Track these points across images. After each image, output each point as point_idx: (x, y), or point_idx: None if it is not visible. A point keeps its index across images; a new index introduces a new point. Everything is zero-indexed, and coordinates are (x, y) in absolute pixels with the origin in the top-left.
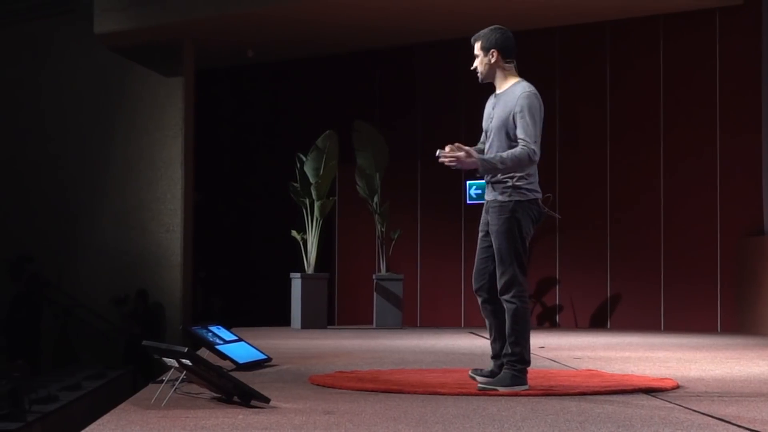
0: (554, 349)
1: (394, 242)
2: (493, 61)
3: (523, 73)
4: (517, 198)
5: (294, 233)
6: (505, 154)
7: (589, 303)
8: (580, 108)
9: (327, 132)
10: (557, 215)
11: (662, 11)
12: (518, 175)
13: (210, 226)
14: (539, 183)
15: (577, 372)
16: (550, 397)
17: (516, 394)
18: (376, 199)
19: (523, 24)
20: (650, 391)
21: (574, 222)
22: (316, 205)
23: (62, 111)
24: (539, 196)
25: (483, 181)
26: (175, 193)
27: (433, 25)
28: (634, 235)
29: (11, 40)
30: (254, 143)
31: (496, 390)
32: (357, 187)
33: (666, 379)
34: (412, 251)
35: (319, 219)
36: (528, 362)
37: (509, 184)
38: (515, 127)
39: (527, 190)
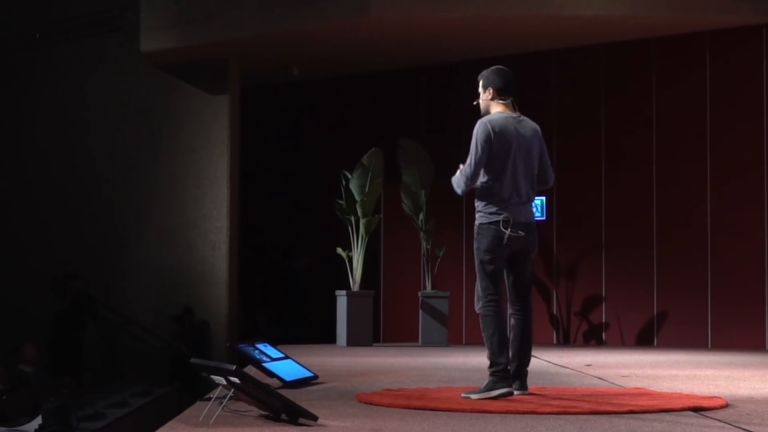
0: (601, 367)
1: (439, 259)
2: (489, 97)
3: (569, 90)
4: (479, 221)
5: (339, 251)
6: (454, 176)
7: (635, 320)
8: (626, 125)
9: (372, 149)
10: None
11: (708, 28)
12: (480, 202)
13: (255, 243)
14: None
15: (624, 390)
16: (598, 416)
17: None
18: (421, 216)
19: (569, 41)
20: (699, 409)
21: (620, 239)
22: (362, 222)
23: (108, 129)
24: (499, 218)
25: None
26: (220, 211)
27: (478, 42)
28: (681, 253)
29: (58, 58)
30: (299, 161)
31: (469, 398)
32: (402, 204)
33: (715, 397)
34: (457, 268)
35: (364, 236)
36: (496, 364)
37: (477, 210)
38: None
39: (488, 213)
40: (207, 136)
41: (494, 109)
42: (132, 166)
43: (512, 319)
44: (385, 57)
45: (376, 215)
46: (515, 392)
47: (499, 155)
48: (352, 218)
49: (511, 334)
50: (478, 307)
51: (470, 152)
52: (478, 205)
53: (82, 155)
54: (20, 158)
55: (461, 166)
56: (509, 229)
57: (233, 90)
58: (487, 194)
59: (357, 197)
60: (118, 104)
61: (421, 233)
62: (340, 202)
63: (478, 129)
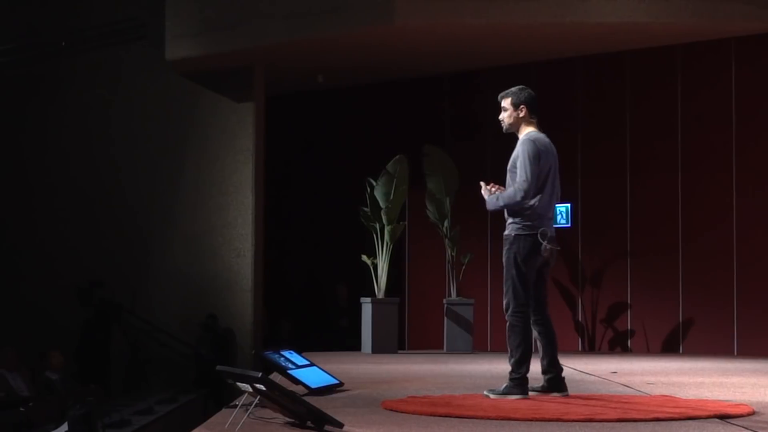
0: (627, 375)
1: (464, 267)
2: (521, 115)
3: (593, 97)
4: (516, 233)
5: (364, 258)
6: (501, 194)
7: (661, 328)
8: (652, 132)
9: (397, 156)
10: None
11: (734, 34)
12: (519, 213)
13: (280, 250)
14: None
15: (650, 397)
16: (624, 423)
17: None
18: (446, 223)
19: (594, 48)
20: (725, 417)
21: (645, 247)
22: (387, 229)
23: (133, 137)
24: (538, 231)
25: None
26: (246, 218)
27: (503, 49)
28: (707, 260)
29: (83, 67)
30: (324, 168)
31: (489, 397)
32: (427, 211)
33: (741, 404)
34: (482, 276)
35: (389, 243)
36: (519, 372)
37: (511, 220)
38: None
39: (526, 225)
40: (232, 143)
41: (527, 128)
42: (157, 174)
43: (536, 328)
44: (409, 64)
45: (401, 222)
46: (556, 395)
47: (542, 173)
48: (377, 225)
49: (541, 343)
50: (507, 314)
51: (521, 170)
52: (515, 217)
53: (107, 163)
54: (46, 166)
55: (484, 186)
56: (547, 242)
57: (258, 97)
58: (526, 209)
59: (382, 204)
60: (143, 112)
61: (446, 240)
62: (365, 209)
63: (528, 147)
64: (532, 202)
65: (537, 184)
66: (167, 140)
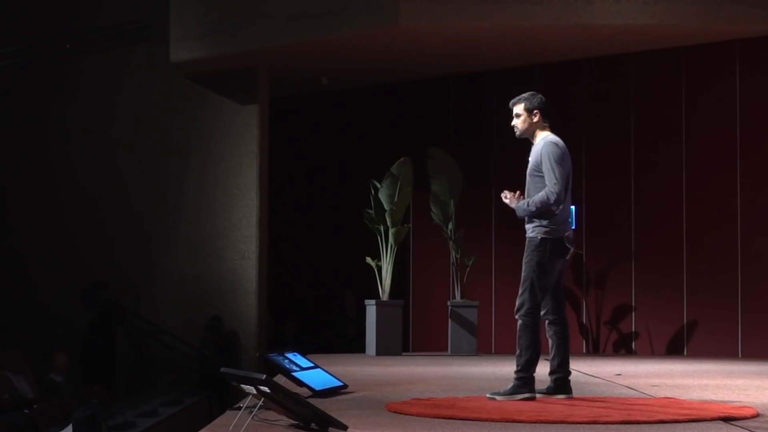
0: (631, 377)
1: (468, 269)
2: (535, 120)
3: (598, 99)
4: (541, 236)
5: (368, 260)
6: (532, 199)
7: (665, 330)
8: (656, 134)
9: (401, 159)
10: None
11: (739, 36)
12: (544, 215)
13: (284, 252)
14: (568, 221)
15: (655, 400)
16: (628, 425)
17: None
18: (450, 225)
19: (599, 50)
20: (730, 419)
21: (649, 249)
22: (391, 231)
23: (138, 139)
24: (564, 233)
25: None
26: (250, 220)
27: (508, 52)
28: (711, 262)
29: (87, 69)
30: (328, 170)
31: (495, 399)
32: (431, 213)
33: (745, 407)
34: (486, 278)
35: (393, 246)
36: (528, 372)
37: (536, 223)
38: (542, 172)
39: (552, 228)
40: (236, 145)
41: (543, 131)
42: (161, 176)
43: (552, 328)
44: (414, 67)
45: (405, 225)
46: (560, 397)
47: (565, 175)
48: (381, 228)
49: (555, 343)
50: (520, 314)
51: (550, 173)
52: (542, 219)
53: (111, 165)
54: (50, 168)
55: (509, 194)
56: (572, 245)
57: (262, 100)
58: (551, 211)
59: (386, 207)
60: (148, 114)
61: (450, 242)
62: (369, 211)
63: (553, 150)
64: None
65: (564, 186)
66: (171, 142)
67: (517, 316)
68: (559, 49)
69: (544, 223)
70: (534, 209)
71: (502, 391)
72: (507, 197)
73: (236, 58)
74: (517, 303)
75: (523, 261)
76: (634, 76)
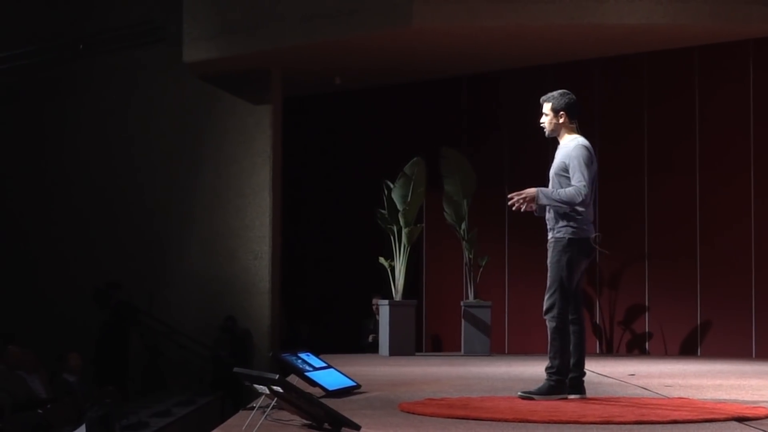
0: (644, 377)
1: (481, 269)
2: (561, 121)
3: (611, 99)
4: (569, 236)
5: (382, 260)
6: (560, 190)
7: (679, 330)
8: (669, 134)
9: (414, 159)
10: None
11: (752, 36)
12: (572, 217)
13: (297, 252)
14: (593, 222)
15: (668, 400)
16: (642, 426)
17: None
18: (463, 225)
19: (612, 50)
20: (743, 419)
21: (663, 249)
22: (404, 232)
23: (151, 139)
24: (590, 234)
25: None
26: (263, 221)
27: (520, 51)
28: (725, 262)
29: (101, 69)
30: (341, 170)
31: (532, 398)
32: (444, 213)
33: (759, 407)
34: (500, 278)
35: (406, 246)
36: (565, 374)
37: (564, 224)
38: (568, 173)
39: (579, 229)
40: (249, 145)
41: (569, 132)
42: (174, 176)
43: (571, 327)
44: (427, 66)
45: (419, 225)
46: (574, 397)
47: (592, 178)
48: (395, 228)
49: (573, 342)
50: (551, 316)
51: (580, 174)
52: (569, 220)
53: (124, 165)
54: (63, 169)
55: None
56: (598, 246)
57: (275, 100)
58: (578, 212)
59: (399, 207)
60: (161, 115)
61: (464, 242)
62: (383, 211)
63: (583, 153)
64: (584, 206)
65: (590, 189)
66: (184, 143)
67: (547, 318)
68: (572, 49)
69: (572, 223)
70: (558, 199)
71: (536, 390)
72: (515, 198)
73: (249, 59)
74: (545, 304)
75: (550, 262)
76: (648, 77)
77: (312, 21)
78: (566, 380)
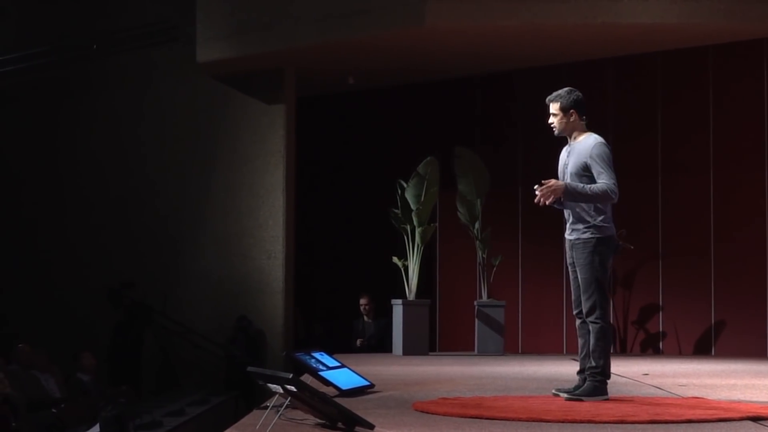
0: (658, 376)
1: (495, 268)
2: (572, 119)
3: (625, 98)
4: (598, 235)
5: (395, 260)
6: (590, 185)
7: (692, 329)
8: (683, 133)
9: (428, 158)
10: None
11: (767, 35)
12: (597, 216)
13: (311, 252)
14: (613, 219)
15: (682, 399)
16: (656, 425)
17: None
18: (477, 225)
19: (626, 49)
20: (758, 419)
21: (677, 248)
22: (417, 231)
23: (164, 139)
24: (614, 231)
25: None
26: (277, 220)
27: (534, 51)
28: (739, 260)
29: (114, 69)
30: (354, 170)
31: (581, 400)
32: (458, 213)
33: None
34: (513, 277)
35: (420, 245)
36: (608, 375)
37: (590, 224)
38: (590, 172)
39: (605, 227)
40: (263, 145)
41: (581, 130)
42: (188, 176)
43: (586, 327)
44: (440, 66)
45: (432, 224)
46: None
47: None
48: (408, 227)
49: (588, 342)
50: (594, 317)
51: (607, 172)
52: (594, 218)
53: (138, 165)
54: (76, 169)
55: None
56: (621, 242)
57: (289, 99)
58: (602, 210)
59: (413, 206)
60: (174, 114)
61: (477, 242)
62: (396, 211)
63: (604, 151)
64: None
65: None
66: (198, 142)
67: (590, 320)
68: (586, 49)
69: (597, 223)
70: (589, 193)
71: (581, 391)
72: (540, 189)
73: (263, 58)
74: (586, 306)
75: (580, 263)
76: (661, 76)
77: (325, 21)
78: (606, 381)
